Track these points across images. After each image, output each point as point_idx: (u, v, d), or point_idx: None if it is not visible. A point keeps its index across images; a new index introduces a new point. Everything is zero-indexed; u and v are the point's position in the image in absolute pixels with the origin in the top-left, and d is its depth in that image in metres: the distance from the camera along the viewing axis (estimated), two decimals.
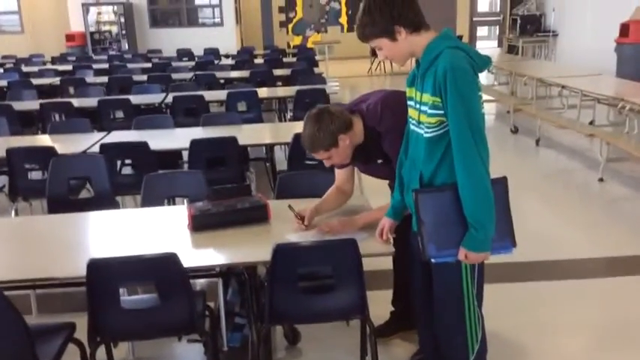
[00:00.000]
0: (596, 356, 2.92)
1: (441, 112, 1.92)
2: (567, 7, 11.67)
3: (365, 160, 2.56)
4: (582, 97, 6.77)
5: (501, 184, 2.01)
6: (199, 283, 3.54)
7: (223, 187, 2.71)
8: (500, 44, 15.21)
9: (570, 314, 3.26)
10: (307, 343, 3.03)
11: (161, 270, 2.18)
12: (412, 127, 2.11)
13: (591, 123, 7.17)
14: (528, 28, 12.28)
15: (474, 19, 16.29)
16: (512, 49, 12.95)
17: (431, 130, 1.97)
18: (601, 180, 5.41)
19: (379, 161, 2.49)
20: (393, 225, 2.33)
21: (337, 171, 2.69)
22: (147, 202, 3.12)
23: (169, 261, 2.14)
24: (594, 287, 3.56)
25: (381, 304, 3.13)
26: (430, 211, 1.98)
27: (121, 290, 2.85)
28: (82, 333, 2.27)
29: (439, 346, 2.27)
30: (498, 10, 16.31)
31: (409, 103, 2.12)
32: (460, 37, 14.09)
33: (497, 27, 16.36)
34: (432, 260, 2.05)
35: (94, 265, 2.11)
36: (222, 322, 2.82)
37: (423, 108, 1.98)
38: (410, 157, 2.16)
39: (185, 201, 2.78)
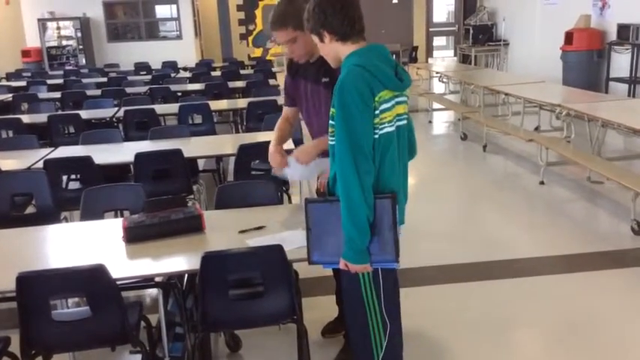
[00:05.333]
0: (549, 351, 3.04)
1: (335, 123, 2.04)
2: (517, 16, 12.03)
3: (314, 77, 2.61)
4: (527, 103, 7.01)
5: (388, 200, 2.02)
6: (146, 294, 3.59)
7: (158, 198, 2.76)
8: (455, 53, 15.58)
9: (521, 311, 3.41)
10: (249, 350, 3.09)
11: (90, 281, 2.22)
12: None
13: (537, 129, 7.43)
14: (480, 37, 12.60)
15: (430, 29, 16.63)
16: (466, 59, 13.26)
17: (332, 138, 2.08)
18: (542, 183, 5.62)
19: (324, 80, 2.53)
20: None
21: (285, 109, 2.91)
22: (86, 216, 3.15)
23: (98, 272, 2.19)
24: (541, 285, 3.72)
25: (322, 309, 3.24)
26: (317, 220, 2.09)
27: (61, 302, 2.90)
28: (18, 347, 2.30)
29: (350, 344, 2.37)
30: (453, 20, 16.69)
31: None
32: (415, 48, 14.40)
33: (453, 37, 16.75)
34: (324, 267, 2.18)
35: (23, 279, 2.15)
36: (163, 333, 2.86)
37: (330, 120, 2.10)
38: None
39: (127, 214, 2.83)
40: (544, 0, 10.87)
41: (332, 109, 2.04)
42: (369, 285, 2.15)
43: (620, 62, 8.72)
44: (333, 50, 2.13)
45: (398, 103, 2.11)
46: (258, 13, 16.87)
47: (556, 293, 3.59)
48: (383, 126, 2.04)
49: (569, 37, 9.20)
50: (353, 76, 1.99)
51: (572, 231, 4.56)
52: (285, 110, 2.94)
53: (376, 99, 2.01)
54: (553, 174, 5.87)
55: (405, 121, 2.18)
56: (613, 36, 8.82)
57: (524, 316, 3.36)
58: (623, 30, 8.48)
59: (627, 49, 8.51)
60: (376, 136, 2.02)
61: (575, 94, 6.62)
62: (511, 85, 7.26)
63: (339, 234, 2.02)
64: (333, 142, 2.06)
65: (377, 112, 2.01)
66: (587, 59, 9.04)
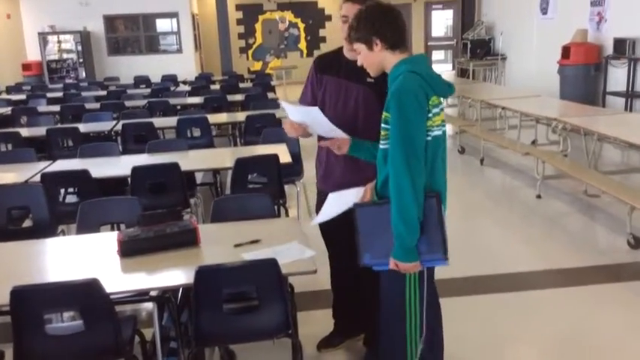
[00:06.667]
0: None
1: (389, 126, 2.10)
2: (514, 31, 12.11)
3: (351, 75, 2.60)
4: (524, 117, 7.04)
5: (434, 198, 2.11)
6: (142, 308, 3.58)
7: (153, 212, 2.77)
8: (454, 67, 15.67)
9: (517, 325, 3.40)
10: None
11: (84, 296, 2.22)
12: None
13: (533, 142, 7.45)
14: (478, 51, 12.68)
15: (429, 43, 16.75)
16: (464, 73, 13.33)
17: (383, 142, 2.16)
18: (538, 197, 5.63)
19: (369, 80, 2.52)
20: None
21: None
22: (83, 230, 3.15)
23: (92, 286, 2.19)
24: (537, 298, 3.71)
25: (318, 324, 3.23)
26: (367, 223, 2.16)
27: (55, 316, 2.89)
28: None
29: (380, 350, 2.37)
30: (452, 34, 16.81)
31: None
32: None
33: (452, 51, 16.86)
34: (374, 268, 2.21)
35: (17, 293, 2.15)
36: (158, 347, 2.86)
37: (383, 124, 2.17)
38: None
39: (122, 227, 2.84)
40: (541, 14, 10.95)
41: (385, 114, 2.12)
42: (414, 288, 2.18)
43: (617, 76, 8.77)
44: (380, 58, 2.20)
45: (441, 109, 2.20)
46: (258, 26, 17.01)
47: (552, 307, 3.58)
48: (434, 129, 2.13)
49: (566, 51, 9.26)
50: (410, 81, 2.08)
51: (568, 244, 4.56)
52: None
53: (430, 103, 2.10)
54: (550, 187, 5.88)
55: (445, 128, 2.26)
56: (610, 50, 8.88)
57: (521, 329, 3.35)
58: (620, 44, 8.54)
59: (624, 63, 8.56)
60: (429, 138, 2.12)
61: (571, 108, 6.65)
62: (508, 99, 7.30)
63: (389, 236, 2.08)
64: (384, 146, 2.15)
65: (430, 114, 2.10)
66: (584, 73, 9.08)
